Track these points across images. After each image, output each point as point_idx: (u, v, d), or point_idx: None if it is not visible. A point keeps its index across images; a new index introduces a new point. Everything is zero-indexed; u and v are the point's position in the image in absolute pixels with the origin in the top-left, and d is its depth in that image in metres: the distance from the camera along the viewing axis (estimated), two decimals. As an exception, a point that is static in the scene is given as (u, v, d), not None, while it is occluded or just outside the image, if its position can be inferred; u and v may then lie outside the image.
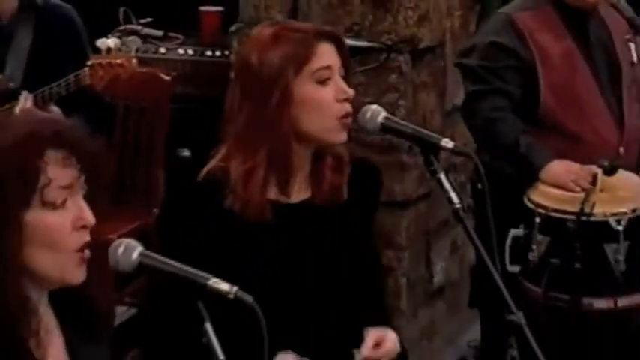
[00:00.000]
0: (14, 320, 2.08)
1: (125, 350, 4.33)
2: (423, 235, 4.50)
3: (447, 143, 2.59)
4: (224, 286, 2.12)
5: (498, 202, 3.01)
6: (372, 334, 2.72)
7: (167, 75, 4.43)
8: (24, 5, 4.27)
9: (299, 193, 2.82)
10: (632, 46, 3.66)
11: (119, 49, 3.89)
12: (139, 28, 4.97)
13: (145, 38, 4.81)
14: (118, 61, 3.85)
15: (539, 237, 3.55)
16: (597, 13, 3.80)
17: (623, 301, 3.51)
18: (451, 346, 4.66)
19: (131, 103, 4.38)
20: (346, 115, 2.72)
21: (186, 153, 4.79)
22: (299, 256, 2.80)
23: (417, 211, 4.43)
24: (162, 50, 4.90)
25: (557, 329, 3.37)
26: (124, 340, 4.33)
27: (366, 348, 2.71)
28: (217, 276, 2.14)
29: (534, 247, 3.55)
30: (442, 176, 2.59)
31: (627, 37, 3.67)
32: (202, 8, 5.04)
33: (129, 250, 2.17)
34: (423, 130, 2.74)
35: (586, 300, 3.49)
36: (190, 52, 4.87)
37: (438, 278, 4.59)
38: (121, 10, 4.98)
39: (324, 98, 2.72)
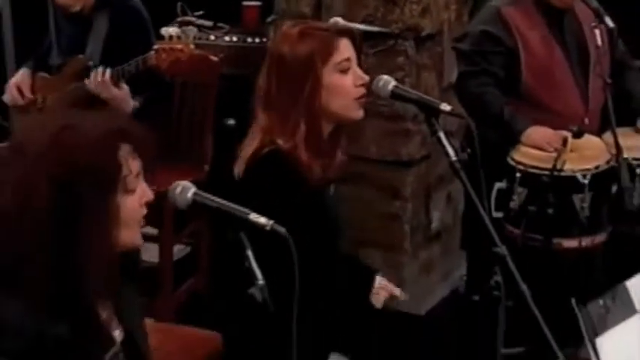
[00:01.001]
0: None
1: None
2: (424, 189, 4.50)
3: (445, 107, 2.63)
4: (262, 219, 2.12)
5: (485, 161, 3.04)
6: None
7: (216, 57, 4.43)
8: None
9: None
10: (597, 32, 3.62)
11: (179, 37, 3.91)
12: (194, 19, 4.96)
13: (198, 27, 4.81)
14: (179, 46, 3.86)
15: (519, 189, 3.57)
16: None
17: (586, 241, 3.55)
18: (445, 280, 4.67)
19: (187, 80, 4.41)
20: (362, 96, 2.82)
21: (231, 122, 4.83)
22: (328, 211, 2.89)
23: (418, 170, 4.44)
24: (212, 37, 4.89)
25: (533, 264, 3.33)
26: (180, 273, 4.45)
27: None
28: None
29: (515, 197, 3.58)
30: (441, 134, 2.61)
31: (593, 24, 3.64)
32: (244, 3, 5.05)
33: (185, 190, 2.19)
34: (426, 96, 2.79)
35: (556, 240, 3.53)
36: (235, 38, 4.86)
37: (435, 225, 4.59)
38: (179, 4, 5.01)
39: (346, 84, 2.80)
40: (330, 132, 2.84)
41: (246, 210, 2.16)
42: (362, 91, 2.80)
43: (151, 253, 4.11)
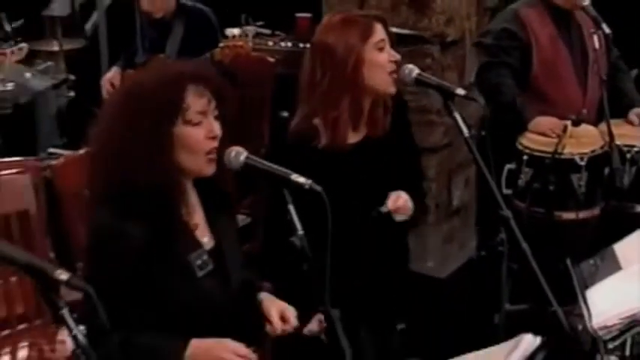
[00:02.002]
0: (172, 197, 2.14)
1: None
2: (446, 172, 4.48)
3: (460, 91, 2.61)
4: (302, 179, 2.12)
5: (497, 146, 3.07)
6: (391, 195, 2.81)
7: (272, 59, 4.46)
8: (179, 7, 4.35)
9: (361, 132, 2.89)
10: (595, 37, 3.61)
11: (240, 35, 3.95)
12: (255, 28, 4.99)
13: (258, 35, 4.85)
14: (239, 43, 3.91)
15: (526, 169, 3.54)
16: (573, 12, 3.79)
17: (583, 214, 3.52)
18: (463, 250, 4.64)
19: (247, 76, 4.43)
20: (395, 72, 2.80)
21: (285, 114, 4.83)
22: (368, 172, 2.86)
23: (442, 156, 4.42)
24: (270, 43, 4.90)
25: (536, 233, 3.30)
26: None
27: (390, 201, 2.80)
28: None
29: (522, 176, 3.54)
30: (456, 114, 2.59)
31: (592, 30, 3.63)
32: (298, 14, 5.04)
33: (238, 154, 2.20)
34: (444, 82, 2.77)
35: (557, 213, 3.50)
36: (289, 44, 4.85)
37: (455, 202, 4.56)
38: (243, 15, 5.04)
39: (382, 60, 2.80)
40: (369, 108, 2.85)
41: (288, 171, 2.16)
42: (394, 66, 2.80)
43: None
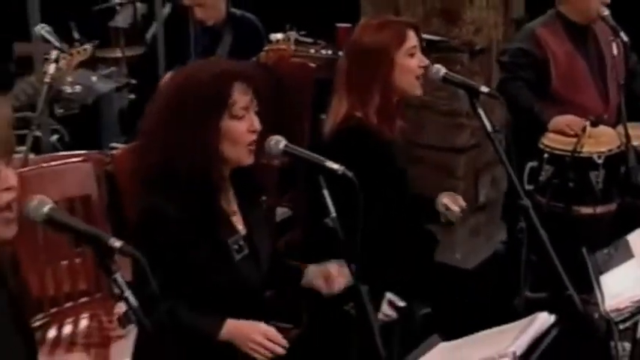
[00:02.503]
0: (214, 184, 2.16)
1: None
2: (473, 171, 4.46)
3: (484, 89, 2.61)
4: (335, 165, 2.12)
5: (521, 146, 3.15)
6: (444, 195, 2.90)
7: (313, 64, 4.46)
8: (229, 16, 4.37)
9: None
10: (613, 45, 3.58)
11: (283, 40, 3.96)
12: (298, 36, 4.98)
13: (301, 43, 4.85)
14: (282, 46, 3.92)
15: (546, 167, 3.51)
16: (590, 26, 3.76)
17: (600, 209, 3.49)
18: (488, 243, 4.60)
19: (290, 80, 4.43)
20: (421, 76, 2.78)
21: (324, 117, 4.82)
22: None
23: (469, 155, 4.40)
24: (312, 51, 4.88)
25: (555, 227, 3.28)
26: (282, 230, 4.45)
27: (450, 201, 2.92)
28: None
29: (543, 173, 3.52)
30: (480, 111, 2.60)
31: (610, 38, 3.60)
32: (338, 25, 5.00)
33: (277, 142, 2.20)
34: (468, 80, 2.77)
35: (575, 207, 3.48)
36: (329, 52, 4.83)
37: (482, 199, 4.53)
38: (287, 25, 5.05)
39: (413, 65, 2.78)
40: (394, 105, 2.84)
41: (323, 158, 2.16)
42: (422, 71, 2.79)
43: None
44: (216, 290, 2.19)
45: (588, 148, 3.43)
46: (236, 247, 2.23)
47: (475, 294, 4.11)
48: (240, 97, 2.15)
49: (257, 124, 2.17)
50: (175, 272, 2.10)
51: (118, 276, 1.62)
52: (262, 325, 2.18)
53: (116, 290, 1.62)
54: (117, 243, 1.61)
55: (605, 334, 2.24)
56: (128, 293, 1.61)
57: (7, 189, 1.58)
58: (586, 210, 3.48)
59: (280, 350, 2.15)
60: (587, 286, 2.42)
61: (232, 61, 2.61)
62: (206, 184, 2.15)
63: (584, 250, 2.54)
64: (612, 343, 2.23)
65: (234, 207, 2.29)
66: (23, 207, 1.63)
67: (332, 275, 2.34)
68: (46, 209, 1.64)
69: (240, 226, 2.28)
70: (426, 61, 2.81)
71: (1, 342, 1.69)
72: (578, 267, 2.56)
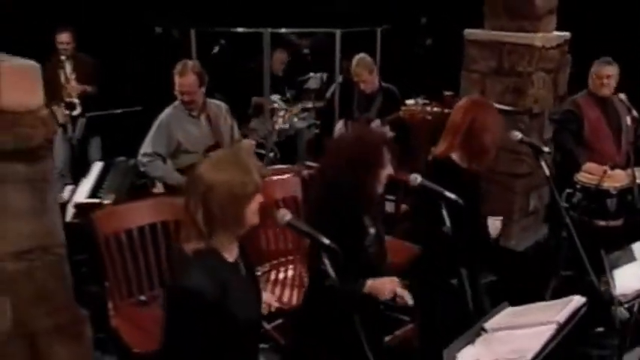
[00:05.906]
0: (367, 209, 2.13)
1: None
2: (526, 189, 4.29)
3: (545, 149, 2.57)
4: (453, 195, 1.95)
5: (562, 179, 3.05)
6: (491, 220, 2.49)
7: (429, 117, 4.29)
8: (380, 86, 4.42)
9: None
10: (628, 117, 3.46)
11: (413, 104, 3.98)
12: (420, 100, 4.64)
13: (422, 104, 4.52)
14: (412, 107, 3.93)
15: (578, 193, 3.42)
16: (612, 100, 3.61)
17: (613, 223, 3.37)
18: (534, 235, 4.41)
19: (417, 128, 4.35)
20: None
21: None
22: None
23: (524, 180, 4.23)
24: (428, 109, 4.46)
25: (583, 233, 3.15)
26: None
27: (496, 225, 2.51)
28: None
29: (575, 197, 3.42)
30: (543, 163, 2.50)
31: (625, 113, 3.46)
32: (445, 92, 4.69)
33: (283, 216, 1.75)
34: (536, 142, 2.74)
35: (595, 221, 3.37)
36: (436, 109, 4.45)
37: (531, 207, 4.37)
38: (414, 93, 4.76)
39: (497, 136, 2.45)
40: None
41: (441, 189, 1.99)
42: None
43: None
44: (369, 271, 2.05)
45: (607, 184, 3.34)
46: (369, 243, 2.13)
47: (524, 271, 4.00)
48: (386, 154, 2.08)
49: (391, 171, 2.06)
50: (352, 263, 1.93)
51: (323, 256, 1.65)
52: (395, 280, 2.07)
53: (322, 266, 1.62)
54: (326, 240, 1.63)
55: (608, 300, 2.17)
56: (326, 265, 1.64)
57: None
58: (603, 223, 3.37)
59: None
60: (601, 271, 2.37)
61: (382, 130, 2.50)
62: (363, 209, 2.07)
63: (601, 251, 2.47)
64: (613, 308, 2.15)
65: (370, 215, 2.16)
66: (269, 211, 1.66)
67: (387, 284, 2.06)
68: (287, 218, 1.68)
69: (372, 229, 2.14)
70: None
71: (246, 292, 1.71)
72: (596, 261, 2.49)
